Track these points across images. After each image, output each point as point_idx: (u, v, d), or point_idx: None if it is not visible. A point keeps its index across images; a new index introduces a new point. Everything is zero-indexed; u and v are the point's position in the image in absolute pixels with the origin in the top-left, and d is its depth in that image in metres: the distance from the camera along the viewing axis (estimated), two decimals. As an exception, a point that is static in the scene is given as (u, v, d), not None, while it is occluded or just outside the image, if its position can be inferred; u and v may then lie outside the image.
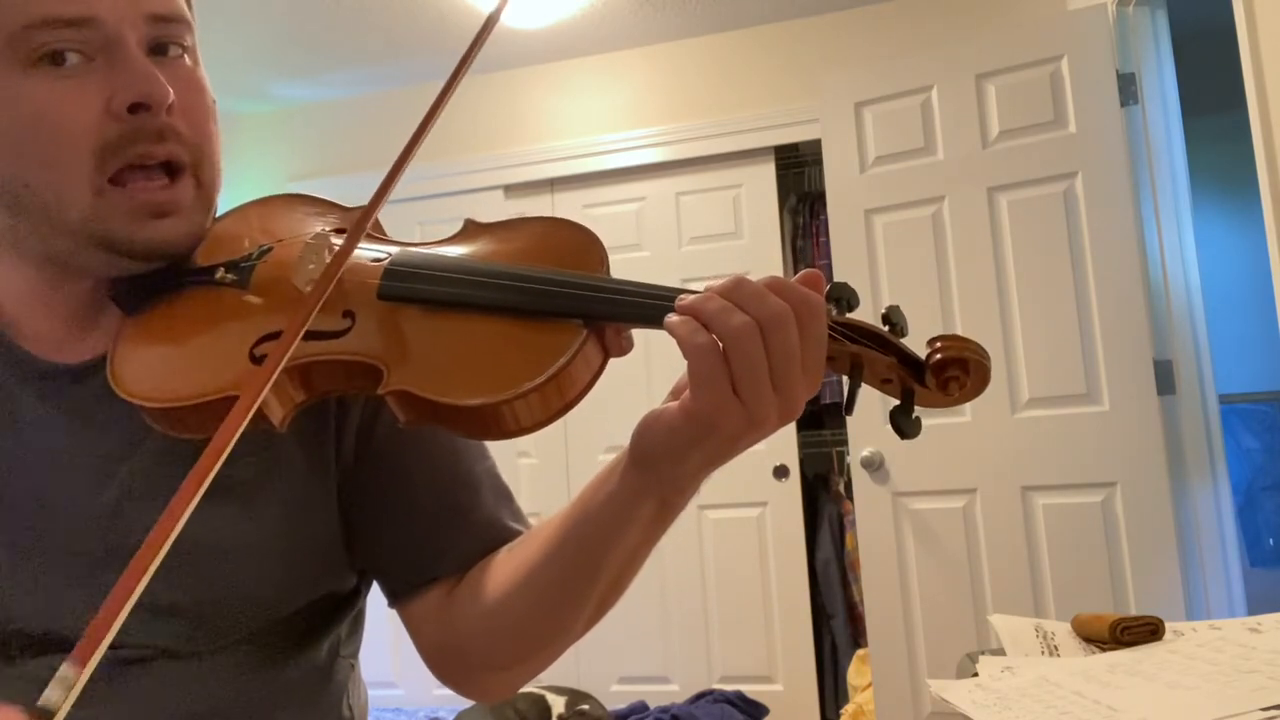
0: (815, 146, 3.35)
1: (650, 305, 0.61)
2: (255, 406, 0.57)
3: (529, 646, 0.74)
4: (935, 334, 0.61)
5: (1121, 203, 2.61)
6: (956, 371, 0.59)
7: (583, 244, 0.69)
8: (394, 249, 0.72)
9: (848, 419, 2.90)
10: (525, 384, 0.60)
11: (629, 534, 0.65)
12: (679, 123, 3.57)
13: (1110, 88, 2.64)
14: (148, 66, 0.68)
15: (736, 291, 0.57)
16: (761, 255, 3.47)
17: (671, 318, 0.58)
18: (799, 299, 0.57)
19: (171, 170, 0.71)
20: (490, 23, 0.72)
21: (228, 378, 0.66)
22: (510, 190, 3.74)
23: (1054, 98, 2.70)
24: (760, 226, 3.52)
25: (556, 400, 0.62)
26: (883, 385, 0.62)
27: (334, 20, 3.28)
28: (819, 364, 0.58)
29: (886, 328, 0.61)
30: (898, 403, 0.61)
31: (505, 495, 0.83)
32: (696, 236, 3.57)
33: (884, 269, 2.88)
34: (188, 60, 0.73)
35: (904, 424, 0.60)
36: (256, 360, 0.66)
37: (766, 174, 3.55)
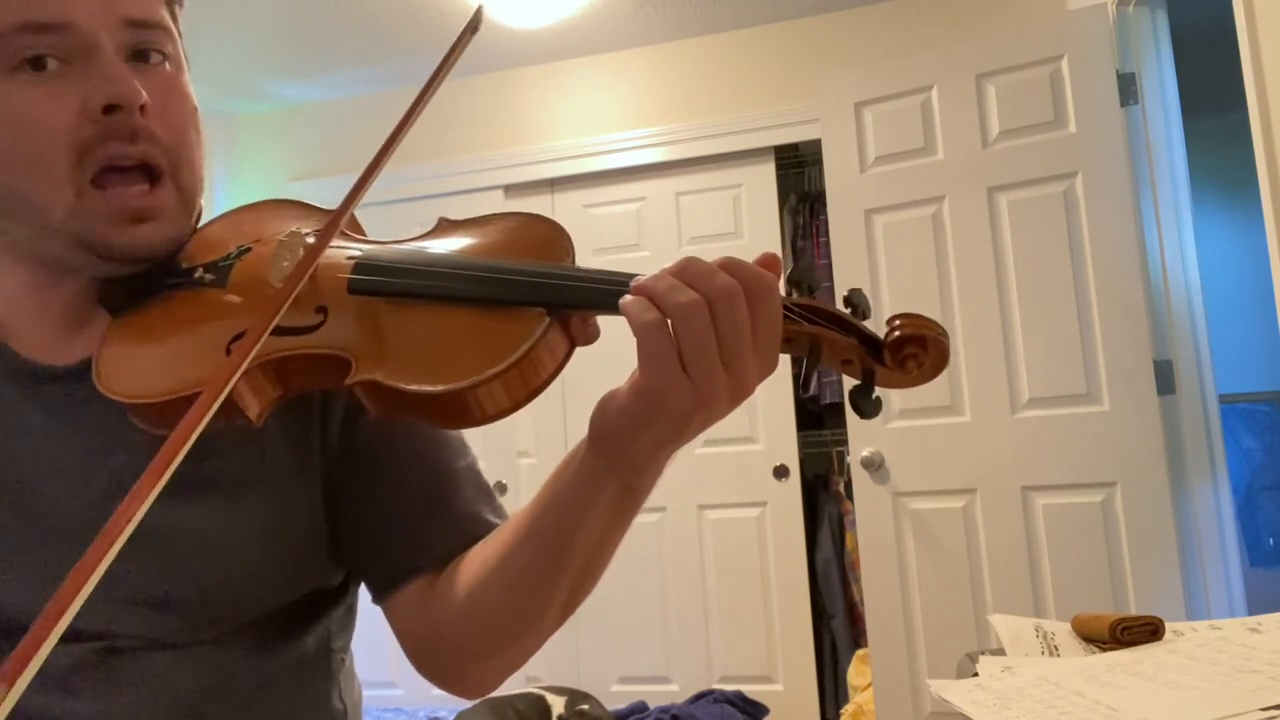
0: (815, 146, 3.35)
1: (605, 289, 0.62)
2: (222, 398, 0.59)
3: (504, 634, 0.75)
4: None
5: (1121, 203, 2.61)
6: (914, 349, 0.60)
7: (549, 236, 0.71)
8: (367, 246, 0.74)
9: (848, 420, 2.90)
10: (488, 370, 0.61)
11: (593, 518, 0.67)
12: (679, 123, 3.57)
13: (1110, 88, 2.64)
14: (121, 68, 0.70)
15: (686, 270, 0.58)
16: (761, 255, 3.46)
17: (625, 299, 0.59)
18: (750, 277, 0.58)
19: (150, 175, 0.73)
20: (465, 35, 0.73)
21: (201, 373, 0.67)
22: (510, 190, 3.74)
23: (1054, 98, 2.70)
24: (760, 226, 3.52)
25: (521, 387, 0.63)
26: (843, 366, 0.62)
27: (334, 20, 3.28)
28: (772, 343, 0.59)
29: (849, 310, 0.62)
30: (857, 383, 0.62)
31: (486, 491, 0.84)
32: (696, 236, 3.57)
33: (884, 269, 2.88)
34: (168, 66, 0.75)
35: (863, 404, 0.61)
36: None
37: (766, 174, 3.55)
